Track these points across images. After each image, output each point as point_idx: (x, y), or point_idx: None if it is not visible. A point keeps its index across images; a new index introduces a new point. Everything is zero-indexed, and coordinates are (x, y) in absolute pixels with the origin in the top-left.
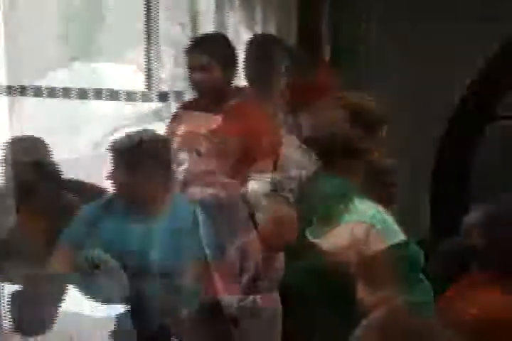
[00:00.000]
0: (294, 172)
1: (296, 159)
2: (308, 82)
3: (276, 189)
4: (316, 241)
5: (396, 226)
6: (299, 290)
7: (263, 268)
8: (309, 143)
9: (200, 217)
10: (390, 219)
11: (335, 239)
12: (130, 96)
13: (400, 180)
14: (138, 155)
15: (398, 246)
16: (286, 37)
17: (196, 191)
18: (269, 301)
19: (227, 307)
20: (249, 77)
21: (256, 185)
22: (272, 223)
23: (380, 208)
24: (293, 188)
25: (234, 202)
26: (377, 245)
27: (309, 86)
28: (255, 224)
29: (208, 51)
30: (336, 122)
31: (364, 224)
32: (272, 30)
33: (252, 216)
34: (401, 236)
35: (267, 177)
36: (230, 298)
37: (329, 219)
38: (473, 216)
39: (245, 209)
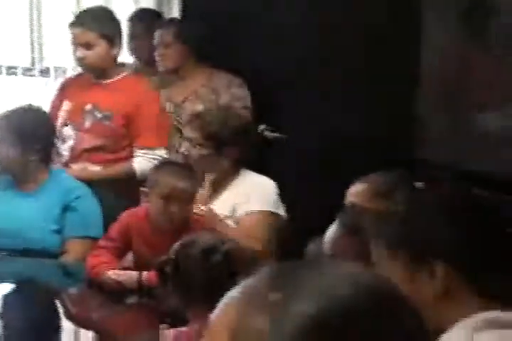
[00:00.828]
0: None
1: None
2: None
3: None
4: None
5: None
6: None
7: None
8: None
9: (83, 194)
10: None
11: (220, 206)
12: (12, 71)
13: None
14: (19, 130)
15: (274, 214)
16: (168, 11)
17: (79, 168)
18: (154, 277)
19: (128, 283)
20: (133, 52)
21: (143, 162)
22: (162, 198)
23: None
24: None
25: (121, 179)
26: (254, 206)
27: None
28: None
29: (93, 26)
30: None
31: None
32: (153, 4)
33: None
34: (280, 211)
35: (155, 153)
36: (129, 273)
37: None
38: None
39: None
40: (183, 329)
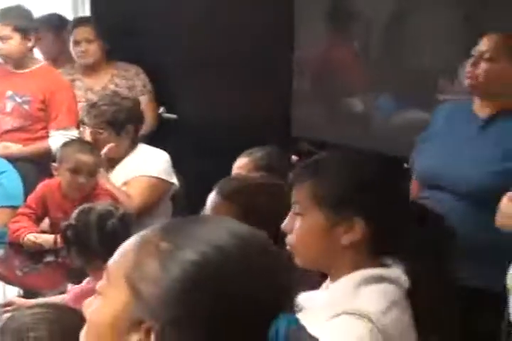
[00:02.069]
0: None
1: None
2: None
3: None
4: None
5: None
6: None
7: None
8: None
9: (6, 169)
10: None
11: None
12: None
13: None
14: None
15: (164, 181)
16: (82, 11)
17: (1, 146)
18: None
19: (46, 244)
20: (40, 50)
21: (58, 141)
22: (70, 171)
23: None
24: None
25: (39, 156)
26: (144, 172)
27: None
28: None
29: (7, 21)
30: None
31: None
32: (68, 5)
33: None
34: (173, 179)
35: (68, 133)
36: (46, 236)
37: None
38: None
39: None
40: (84, 285)
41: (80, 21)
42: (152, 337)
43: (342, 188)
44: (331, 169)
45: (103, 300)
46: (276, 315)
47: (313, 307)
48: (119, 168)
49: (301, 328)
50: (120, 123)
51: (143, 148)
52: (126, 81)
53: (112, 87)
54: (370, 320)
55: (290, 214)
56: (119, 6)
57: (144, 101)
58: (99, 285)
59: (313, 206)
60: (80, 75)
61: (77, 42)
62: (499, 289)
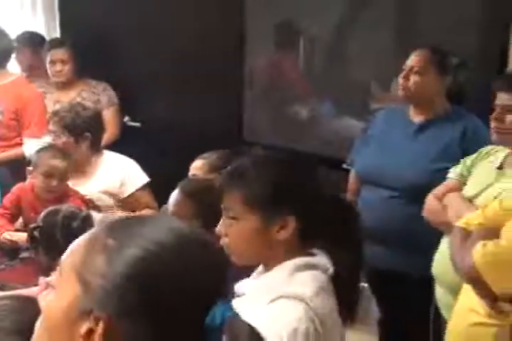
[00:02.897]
0: None
1: None
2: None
3: None
4: None
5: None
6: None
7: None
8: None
9: None
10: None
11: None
12: None
13: None
14: None
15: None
16: (53, 30)
17: None
18: None
19: (20, 241)
20: (19, 63)
21: (31, 148)
22: (43, 175)
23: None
24: None
25: (14, 162)
26: (138, 182)
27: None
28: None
29: None
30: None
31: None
32: (40, 23)
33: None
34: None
35: (41, 141)
36: (21, 234)
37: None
38: None
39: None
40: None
41: (56, 43)
42: (100, 325)
43: (271, 190)
44: (257, 173)
45: (56, 293)
46: (214, 304)
47: (249, 293)
48: (97, 177)
49: (236, 315)
50: (77, 130)
51: (111, 156)
52: (93, 95)
53: (78, 99)
54: (305, 302)
55: (223, 218)
56: (87, 27)
57: (110, 113)
58: (53, 279)
59: (246, 210)
60: (52, 89)
61: (52, 62)
62: (427, 274)
